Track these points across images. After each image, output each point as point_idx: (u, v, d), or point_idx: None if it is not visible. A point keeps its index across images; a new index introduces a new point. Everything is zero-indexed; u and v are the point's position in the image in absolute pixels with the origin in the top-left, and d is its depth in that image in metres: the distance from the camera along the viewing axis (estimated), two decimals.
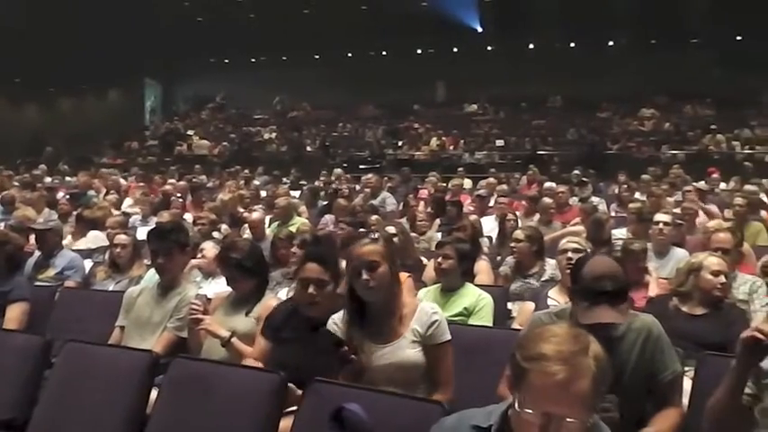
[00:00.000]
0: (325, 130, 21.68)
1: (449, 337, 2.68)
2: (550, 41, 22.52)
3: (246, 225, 7.03)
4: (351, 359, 2.54)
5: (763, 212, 8.12)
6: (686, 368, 2.79)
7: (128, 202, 9.95)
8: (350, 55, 24.63)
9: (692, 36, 21.53)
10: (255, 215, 7.04)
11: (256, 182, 13.16)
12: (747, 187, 9.21)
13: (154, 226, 5.23)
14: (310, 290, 2.91)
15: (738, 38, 21.15)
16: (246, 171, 14.87)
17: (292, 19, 22.90)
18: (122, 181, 12.72)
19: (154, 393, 2.78)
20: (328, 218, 7.87)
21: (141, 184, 12.22)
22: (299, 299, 3.02)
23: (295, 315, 3.03)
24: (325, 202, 9.44)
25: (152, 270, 4.15)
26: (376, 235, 4.81)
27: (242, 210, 8.36)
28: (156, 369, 2.82)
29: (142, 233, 5.45)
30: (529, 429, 1.53)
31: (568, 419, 1.49)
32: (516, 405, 1.55)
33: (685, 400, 2.65)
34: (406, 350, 2.62)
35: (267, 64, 24.93)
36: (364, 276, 2.60)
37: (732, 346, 2.95)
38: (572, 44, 22.84)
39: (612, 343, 2.45)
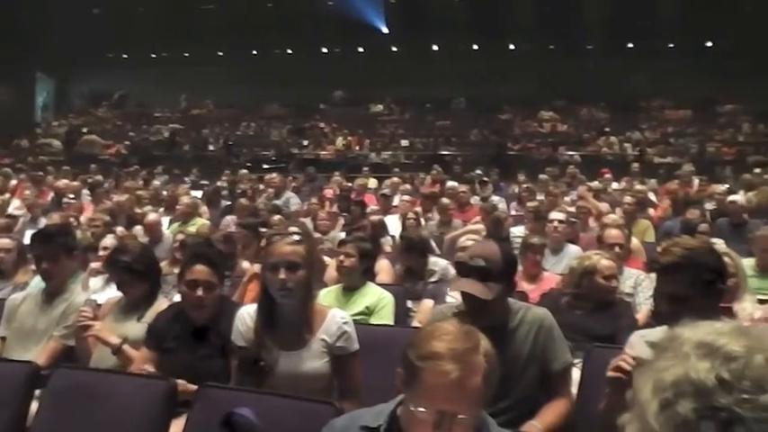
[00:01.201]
0: (228, 128, 21.26)
1: (357, 346, 2.63)
2: (454, 44, 22.94)
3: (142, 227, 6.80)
4: (266, 374, 2.46)
5: (650, 210, 8.55)
6: (576, 360, 2.89)
7: (15, 203, 9.43)
8: (255, 53, 24.26)
9: (588, 43, 22.44)
10: (151, 216, 6.83)
11: (156, 182, 12.78)
12: (637, 187, 9.67)
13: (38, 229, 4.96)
14: (198, 292, 2.82)
15: (630, 45, 22.21)
16: (145, 171, 14.39)
17: (195, 14, 22.36)
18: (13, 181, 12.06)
19: (35, 406, 2.63)
20: (230, 218, 7.72)
21: (29, 184, 11.62)
22: (186, 302, 2.93)
23: (179, 320, 2.93)
24: (228, 203, 9.27)
25: (39, 276, 3.94)
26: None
27: (139, 211, 8.09)
28: (36, 381, 2.66)
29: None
30: (420, 428, 1.53)
31: (460, 416, 1.50)
32: (408, 403, 1.55)
33: (574, 390, 2.74)
34: (311, 360, 2.54)
35: (168, 60, 24.21)
36: (282, 275, 2.49)
37: (619, 337, 3.10)
38: (475, 47, 23.33)
39: (507, 335, 2.52)
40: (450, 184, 9.93)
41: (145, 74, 23.70)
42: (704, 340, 0.89)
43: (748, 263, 4.94)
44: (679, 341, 0.91)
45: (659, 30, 21.46)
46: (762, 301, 4.26)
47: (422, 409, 1.52)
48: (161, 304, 3.32)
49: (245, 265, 5.10)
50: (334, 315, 2.65)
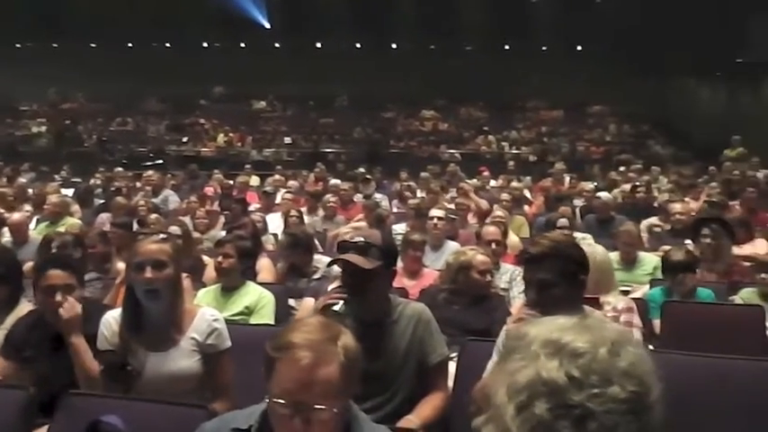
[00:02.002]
0: (102, 124, 20.31)
1: (229, 344, 2.61)
2: (337, 41, 22.97)
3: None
4: (134, 378, 2.35)
5: (525, 207, 8.90)
6: (452, 354, 2.95)
7: None
8: (130, 45, 23.29)
9: (468, 44, 23.08)
10: (17, 216, 6.41)
11: (22, 179, 12.02)
12: (513, 184, 10.03)
13: None
14: (58, 297, 2.68)
15: (507, 47, 23.03)
16: (9, 168, 13.50)
17: (65, 3, 21.17)
18: None
19: None
20: (104, 217, 7.40)
21: None
22: (44, 309, 2.78)
23: (39, 327, 2.78)
24: (102, 201, 8.87)
25: None
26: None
27: (2, 210, 7.58)
28: None
29: None
30: (282, 422, 1.52)
31: (317, 406, 1.49)
32: (269, 397, 1.54)
33: (451, 383, 2.80)
34: (180, 359, 2.50)
35: (36, 51, 22.79)
36: (148, 274, 2.44)
37: (493, 330, 3.20)
38: (358, 45, 23.46)
39: (386, 329, 2.55)
40: (334, 181, 9.94)
41: (9, 65, 22.20)
42: (550, 338, 0.91)
43: (613, 257, 5.24)
44: (526, 340, 0.93)
45: (534, 33, 22.38)
46: (625, 293, 4.54)
47: (280, 401, 1.51)
48: (23, 308, 3.13)
49: (120, 265, 4.88)
50: (204, 313, 2.62)
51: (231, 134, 18.90)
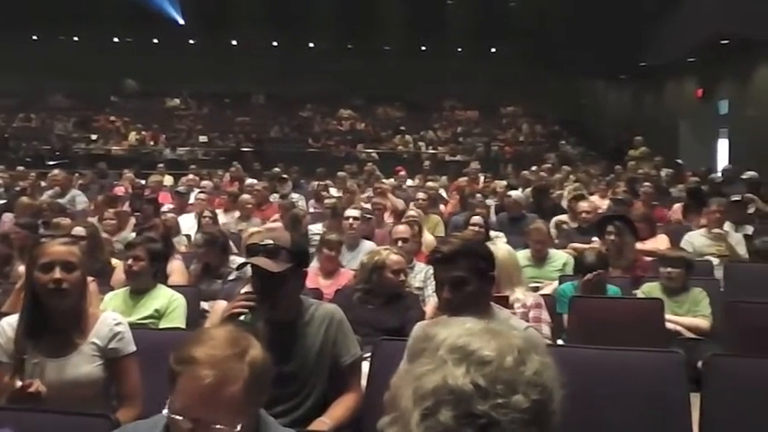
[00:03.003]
0: (5, 120, 19.36)
1: (133, 348, 2.53)
2: (254, 39, 22.68)
3: None
4: (32, 392, 2.24)
5: (441, 206, 9.02)
6: (366, 354, 2.96)
7: None
8: (35, 38, 22.25)
9: (384, 44, 23.22)
10: None
11: None
12: (428, 184, 10.15)
13: None
14: None
15: (423, 48, 23.30)
16: None
17: None
18: None
19: None
20: (8, 217, 7.08)
21: None
22: None
23: None
24: (4, 201, 8.47)
25: None
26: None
27: None
28: None
29: None
30: None
31: (217, 426, 1.44)
32: (169, 410, 1.48)
33: (364, 383, 2.80)
34: (81, 365, 2.41)
35: None
36: (57, 275, 2.34)
37: (407, 329, 3.23)
38: (275, 43, 23.23)
39: (298, 330, 2.53)
40: (249, 181, 9.80)
41: None
42: (457, 344, 0.92)
43: (524, 254, 5.39)
44: (434, 343, 0.93)
45: (450, 34, 22.74)
46: (535, 289, 4.67)
47: (178, 417, 1.46)
48: None
49: (22, 269, 4.66)
50: (106, 317, 2.55)
51: (143, 132, 18.38)
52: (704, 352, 3.27)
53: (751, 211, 7.35)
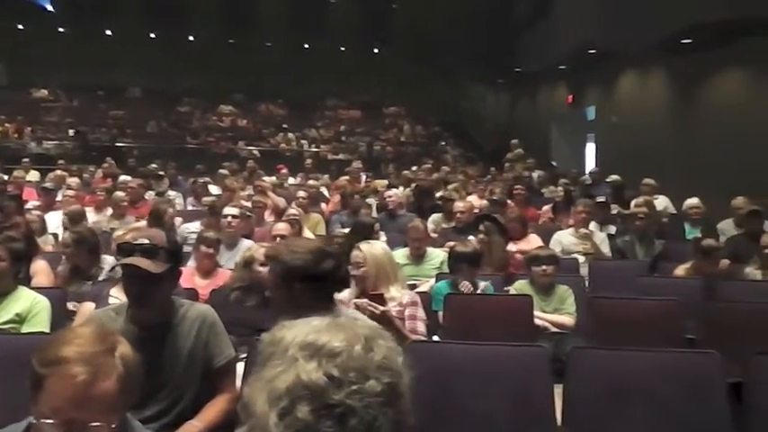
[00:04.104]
0: None
1: None
2: (129, 30, 21.79)
3: None
4: None
5: (322, 205, 9.02)
6: (242, 355, 2.92)
7: None
8: None
9: (267, 40, 22.94)
10: None
11: None
12: (310, 182, 10.13)
13: None
14: None
15: (306, 45, 23.21)
16: None
17: None
18: None
19: None
20: None
21: None
22: None
23: None
24: None
25: None
26: None
27: None
28: None
29: None
30: None
31: (93, 424, 1.40)
32: (36, 417, 1.41)
33: (240, 383, 2.76)
34: None
35: None
36: None
37: None
38: (152, 35, 22.42)
39: (169, 332, 2.45)
40: (123, 177, 9.42)
41: None
42: (306, 341, 0.93)
43: (403, 252, 5.48)
44: (283, 345, 0.94)
45: (333, 33, 22.79)
46: (413, 286, 4.77)
47: (49, 421, 1.39)
48: None
49: None
50: None
51: (7, 124, 17.25)
52: (569, 345, 3.45)
53: (614, 212, 7.82)
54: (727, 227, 7.11)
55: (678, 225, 7.55)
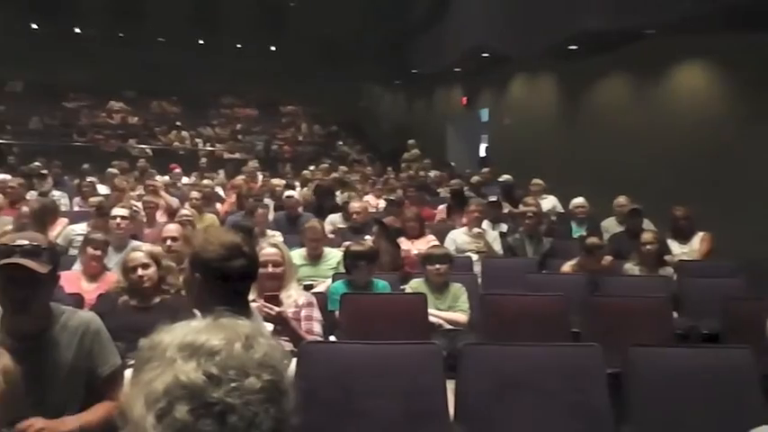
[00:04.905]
0: None
1: None
2: (10, 19, 20.55)
3: None
4: None
5: (218, 205, 8.85)
6: (130, 361, 2.82)
7: None
8: None
9: (159, 35, 22.24)
10: None
11: None
12: (204, 182, 9.91)
13: None
14: None
15: (201, 41, 22.67)
16: None
17: None
18: None
19: None
20: None
21: None
22: None
23: None
24: None
25: None
26: None
27: None
28: None
29: None
30: None
31: None
32: None
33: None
34: None
35: None
36: None
37: None
38: (34, 26, 21.27)
39: (48, 342, 2.33)
40: (2, 176, 8.88)
41: None
42: (185, 341, 0.92)
43: (300, 252, 5.46)
44: (161, 347, 0.92)
45: (229, 29, 22.36)
46: (309, 287, 4.76)
47: None
48: None
49: None
50: None
51: None
52: (462, 342, 3.53)
53: (505, 210, 8.07)
54: (610, 225, 7.48)
55: (565, 224, 7.87)
